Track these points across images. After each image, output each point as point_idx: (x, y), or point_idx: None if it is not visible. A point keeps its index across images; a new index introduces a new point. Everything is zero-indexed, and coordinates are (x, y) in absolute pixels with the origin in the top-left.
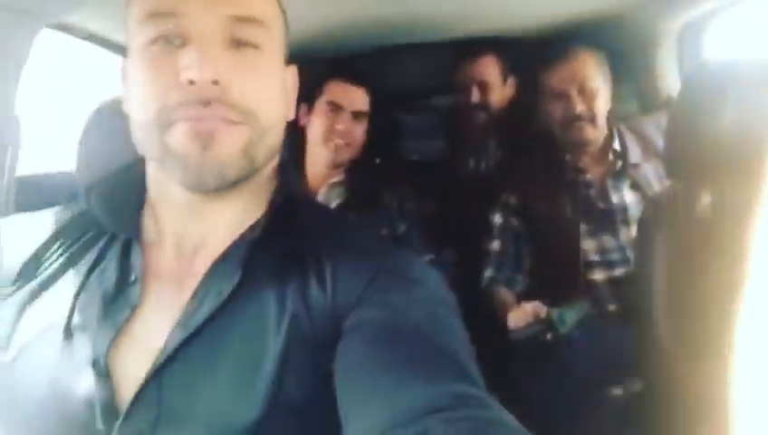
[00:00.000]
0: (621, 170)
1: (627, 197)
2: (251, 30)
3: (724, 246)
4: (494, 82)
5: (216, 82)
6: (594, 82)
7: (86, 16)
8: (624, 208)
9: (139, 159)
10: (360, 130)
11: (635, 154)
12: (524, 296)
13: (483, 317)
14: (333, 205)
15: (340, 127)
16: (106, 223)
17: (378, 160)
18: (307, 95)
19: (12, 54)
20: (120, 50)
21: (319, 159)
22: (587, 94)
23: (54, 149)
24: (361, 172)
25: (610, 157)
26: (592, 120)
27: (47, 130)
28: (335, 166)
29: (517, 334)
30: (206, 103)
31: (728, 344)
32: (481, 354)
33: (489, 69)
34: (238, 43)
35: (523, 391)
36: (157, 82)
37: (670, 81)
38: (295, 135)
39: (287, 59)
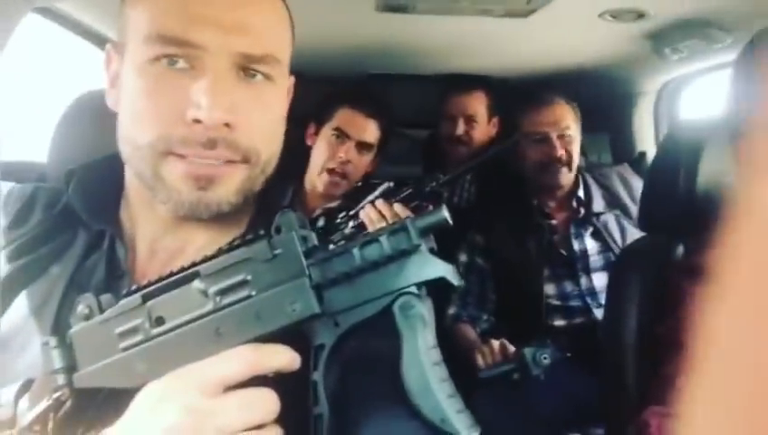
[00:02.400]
0: (584, 218)
1: (588, 244)
2: (265, 66)
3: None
4: (480, 119)
5: (226, 124)
6: (572, 129)
7: (73, 5)
8: (585, 256)
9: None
10: (362, 163)
11: (599, 203)
12: (488, 335)
13: (446, 353)
14: None
15: (341, 156)
16: (83, 212)
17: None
18: (318, 116)
19: None
20: (103, 42)
21: (314, 185)
22: (565, 140)
23: (27, 138)
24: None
25: (574, 204)
26: (568, 164)
27: (21, 118)
28: (328, 196)
29: (486, 373)
30: (212, 145)
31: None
32: None
33: (478, 104)
34: (249, 73)
35: (482, 428)
36: (158, 110)
37: (644, 137)
38: (298, 148)
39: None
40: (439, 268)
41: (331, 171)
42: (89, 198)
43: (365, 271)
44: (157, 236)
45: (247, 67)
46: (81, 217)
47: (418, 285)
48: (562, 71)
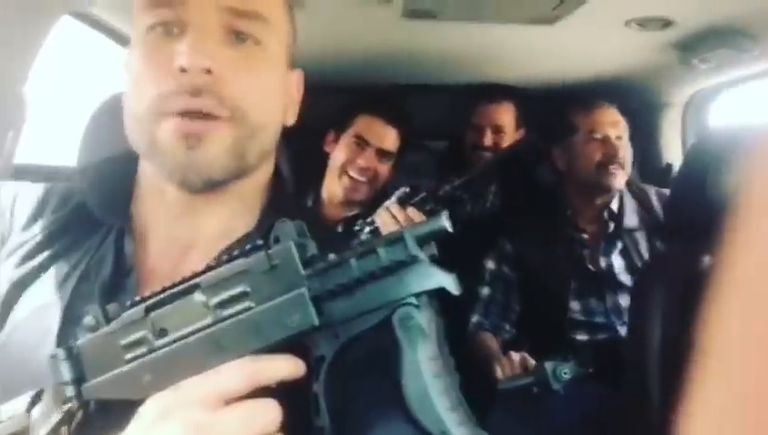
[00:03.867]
0: (614, 234)
1: (615, 262)
2: (252, 24)
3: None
4: (507, 129)
5: (208, 71)
6: (626, 134)
7: (105, 7)
8: (611, 273)
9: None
10: (383, 170)
11: (631, 219)
12: (510, 346)
13: (467, 362)
14: None
15: (360, 162)
16: (95, 208)
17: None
18: (338, 123)
19: (34, 33)
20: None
21: (333, 192)
22: (622, 142)
23: (58, 142)
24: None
25: (605, 215)
26: (624, 166)
27: (53, 122)
28: (346, 203)
29: (505, 384)
30: (197, 93)
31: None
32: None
33: (506, 115)
34: (238, 36)
35: None
36: (152, 71)
37: (671, 151)
38: (318, 159)
39: (292, 62)
40: (438, 278)
41: (350, 177)
42: (102, 193)
43: (363, 282)
44: (167, 229)
45: (236, 30)
46: (93, 214)
47: (418, 296)
48: (588, 81)
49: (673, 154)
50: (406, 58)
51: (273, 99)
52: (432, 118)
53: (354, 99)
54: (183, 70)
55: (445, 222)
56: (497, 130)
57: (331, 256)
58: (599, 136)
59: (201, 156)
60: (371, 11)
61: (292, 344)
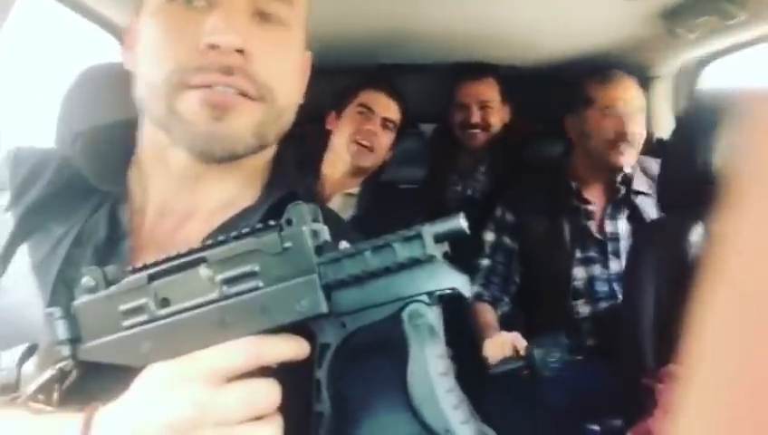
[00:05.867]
0: (623, 198)
1: (621, 227)
2: (279, 5)
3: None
4: (494, 104)
5: (240, 51)
6: (643, 108)
7: None
8: (617, 239)
9: (131, 118)
10: (386, 139)
11: (641, 183)
12: (506, 320)
13: (462, 339)
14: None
15: (368, 127)
16: (89, 173)
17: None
18: (338, 103)
19: None
20: (101, 20)
21: (339, 163)
22: (636, 118)
23: (31, 123)
24: (375, 190)
25: (618, 180)
26: (634, 145)
27: (25, 101)
28: (354, 170)
29: (495, 369)
30: (228, 72)
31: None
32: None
33: (490, 90)
34: (265, 17)
35: (496, 421)
36: (174, 42)
37: (663, 125)
38: (318, 138)
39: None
40: (452, 279)
41: (359, 143)
42: (96, 158)
43: (376, 275)
44: (167, 196)
45: (263, 10)
46: (88, 180)
47: (429, 294)
48: (574, 56)
49: (664, 128)
50: (392, 36)
51: (296, 81)
52: (421, 99)
53: (352, 79)
54: (214, 47)
55: (462, 223)
56: (483, 106)
57: (345, 245)
58: (614, 112)
59: (226, 128)
60: None
61: (296, 328)
